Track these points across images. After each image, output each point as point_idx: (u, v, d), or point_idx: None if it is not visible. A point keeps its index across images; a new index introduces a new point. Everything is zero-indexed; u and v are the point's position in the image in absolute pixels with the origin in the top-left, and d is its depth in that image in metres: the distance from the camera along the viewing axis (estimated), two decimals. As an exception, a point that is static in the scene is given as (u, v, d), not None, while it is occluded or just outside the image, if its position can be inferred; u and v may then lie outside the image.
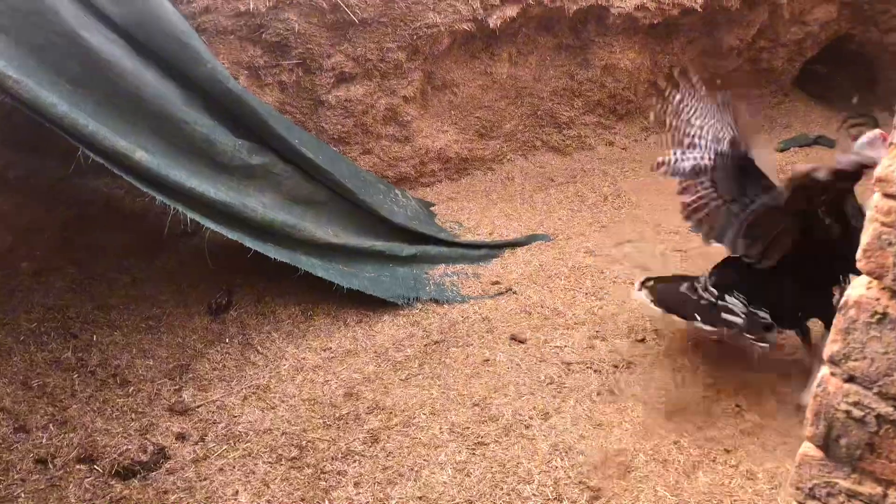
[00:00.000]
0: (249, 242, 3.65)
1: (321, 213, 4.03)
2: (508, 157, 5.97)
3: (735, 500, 2.93)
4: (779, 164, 5.94)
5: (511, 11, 5.13)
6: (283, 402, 3.47)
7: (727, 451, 3.15)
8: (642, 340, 3.87)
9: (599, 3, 5.35)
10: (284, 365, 3.72)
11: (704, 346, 3.75)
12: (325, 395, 3.50)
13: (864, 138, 3.21)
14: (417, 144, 5.37)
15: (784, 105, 6.93)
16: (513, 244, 4.76)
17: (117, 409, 3.45)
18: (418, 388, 3.51)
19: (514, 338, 3.86)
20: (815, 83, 7.22)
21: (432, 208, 5.13)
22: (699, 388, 3.47)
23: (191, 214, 3.47)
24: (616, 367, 3.65)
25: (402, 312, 4.08)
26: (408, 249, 4.29)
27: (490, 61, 5.52)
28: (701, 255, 4.60)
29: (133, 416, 3.42)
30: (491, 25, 5.14)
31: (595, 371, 3.61)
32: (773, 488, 2.96)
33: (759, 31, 6.04)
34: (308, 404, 3.45)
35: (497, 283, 4.41)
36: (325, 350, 3.82)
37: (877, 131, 3.26)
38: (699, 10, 5.40)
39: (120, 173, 3.32)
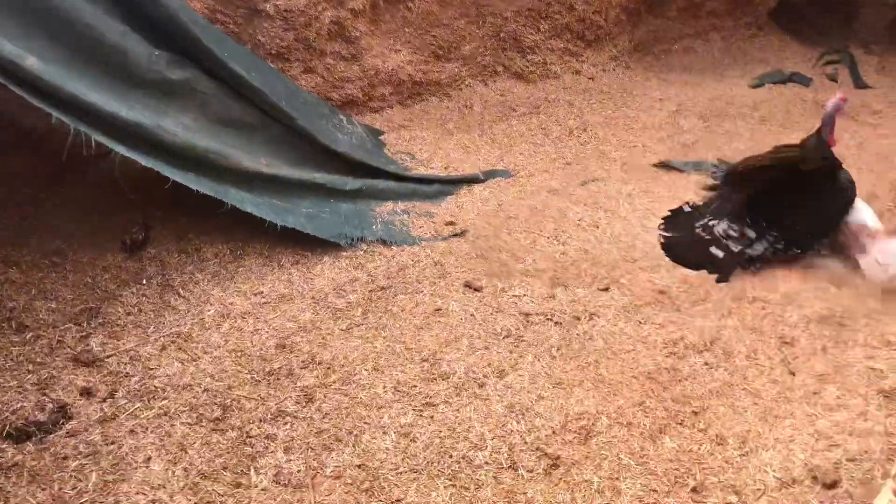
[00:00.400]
0: (167, 171, 3.16)
1: (252, 139, 3.54)
2: (467, 83, 5.50)
3: (704, 468, 2.68)
4: (755, 100, 5.63)
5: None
6: (206, 353, 3.07)
7: (695, 413, 2.88)
8: (606, 289, 3.56)
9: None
10: (209, 311, 3.29)
11: (673, 296, 3.47)
12: (255, 346, 3.11)
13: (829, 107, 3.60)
14: (366, 64, 4.86)
15: (759, 38, 6.57)
16: (470, 180, 4.36)
17: (11, 360, 2.99)
18: (360, 340, 3.14)
19: (468, 285, 3.50)
20: (792, 17, 6.85)
21: (381, 137, 4.67)
22: (666, 344, 3.18)
23: (95, 136, 2.95)
24: (578, 318, 3.32)
25: (344, 254, 3.67)
26: (352, 183, 3.85)
27: (445, -26, 4.99)
28: (671, 198, 4.31)
29: (30, 367, 2.97)
30: (453, -70, 4.60)
31: (556, 323, 3.29)
32: (743, 455, 2.72)
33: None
34: (235, 356, 3.05)
35: (451, 223, 4.02)
36: (255, 295, 3.40)
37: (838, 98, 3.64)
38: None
39: (5, 82, 2.77)
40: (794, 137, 5.03)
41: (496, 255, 3.80)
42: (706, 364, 3.11)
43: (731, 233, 3.73)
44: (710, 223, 3.79)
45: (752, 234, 3.70)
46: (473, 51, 5.38)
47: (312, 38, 4.57)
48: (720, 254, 3.67)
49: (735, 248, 3.68)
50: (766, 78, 5.97)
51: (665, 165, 4.64)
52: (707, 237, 3.76)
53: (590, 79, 5.78)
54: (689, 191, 4.37)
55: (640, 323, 3.33)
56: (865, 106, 5.67)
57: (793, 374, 3.02)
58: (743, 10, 6.34)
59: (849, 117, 4.53)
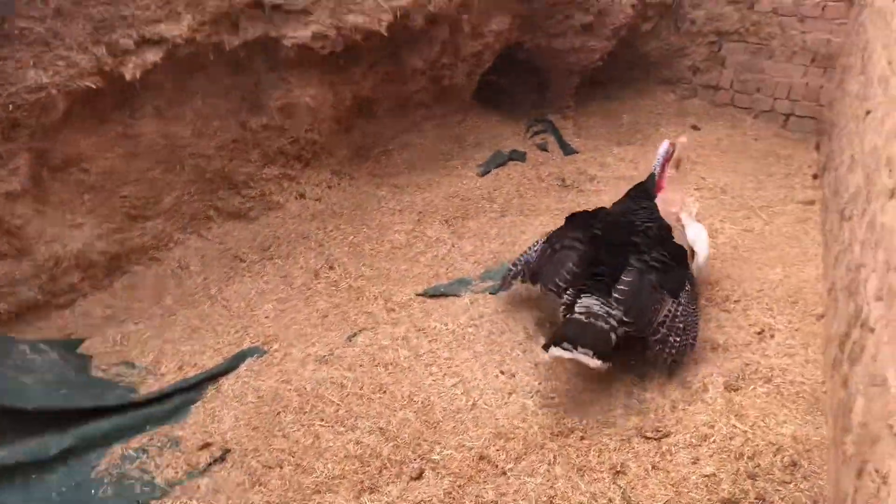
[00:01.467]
0: None
1: None
2: (176, 239, 4.59)
3: None
4: (488, 190, 5.49)
5: (153, 56, 3.78)
6: None
7: None
8: (419, 476, 3.07)
9: (269, 34, 4.24)
10: None
11: (493, 459, 3.08)
12: None
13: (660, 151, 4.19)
14: (39, 255, 3.74)
15: (469, 121, 6.54)
16: (215, 375, 3.49)
17: None
18: None
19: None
20: (493, 94, 6.99)
21: (84, 348, 3.58)
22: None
23: None
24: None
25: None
26: (58, 443, 2.79)
27: (131, 121, 4.09)
28: (450, 332, 3.87)
29: None
30: (127, 77, 3.73)
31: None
32: None
33: (440, 48, 5.47)
34: None
35: (207, 445, 3.14)
36: None
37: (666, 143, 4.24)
38: (384, 32, 4.59)
39: None
40: (538, 224, 5.02)
41: (276, 473, 3.02)
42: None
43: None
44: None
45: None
46: (177, 200, 4.50)
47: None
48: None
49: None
50: (490, 164, 5.91)
51: (428, 294, 4.21)
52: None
53: (317, 200, 5.21)
54: (472, 315, 3.98)
55: (472, 510, 2.81)
56: (582, 173, 5.85)
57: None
58: (448, 97, 6.27)
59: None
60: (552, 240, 3.93)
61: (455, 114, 6.49)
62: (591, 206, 5.24)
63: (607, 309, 3.39)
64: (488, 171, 5.81)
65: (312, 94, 4.79)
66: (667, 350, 3.48)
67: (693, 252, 4.13)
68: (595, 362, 3.23)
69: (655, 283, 3.55)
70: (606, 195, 5.48)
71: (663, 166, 4.22)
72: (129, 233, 4.26)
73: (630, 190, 4.27)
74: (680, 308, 3.58)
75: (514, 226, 5.00)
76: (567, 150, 6.38)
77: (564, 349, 3.23)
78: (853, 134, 4.36)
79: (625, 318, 3.38)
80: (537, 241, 4.12)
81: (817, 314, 3.99)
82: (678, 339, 3.52)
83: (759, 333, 3.87)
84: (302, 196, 5.18)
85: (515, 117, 6.91)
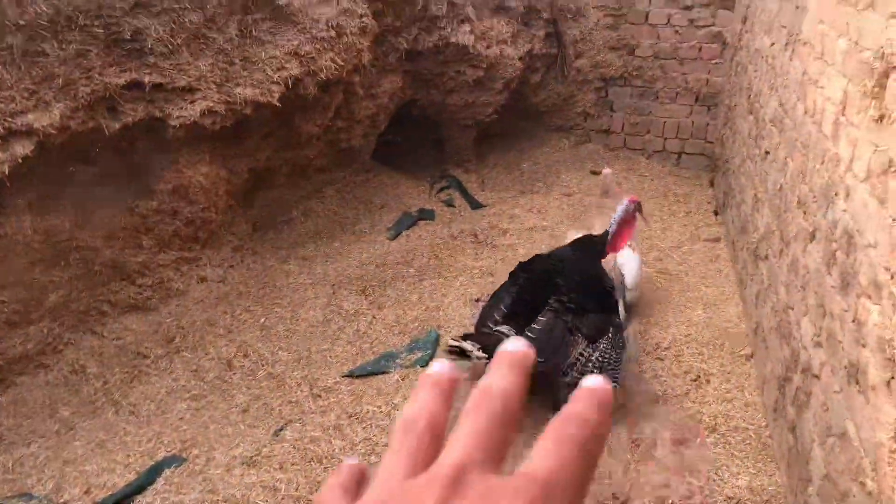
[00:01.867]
0: None
1: None
2: (67, 340, 4.11)
3: None
4: (402, 253, 5.30)
5: (22, 149, 3.38)
6: None
7: None
8: None
9: (152, 115, 3.92)
10: None
11: None
12: None
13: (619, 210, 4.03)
14: None
15: (371, 183, 6.38)
16: (127, 495, 3.08)
17: None
18: None
19: None
20: (393, 154, 6.88)
21: (-35, 490, 3.08)
22: None
23: None
24: None
25: None
26: None
27: (1, 219, 3.64)
28: (387, 415, 3.61)
29: None
30: (-7, 173, 3.32)
31: None
32: None
33: (335, 112, 5.30)
34: None
35: (127, 586, 2.72)
36: None
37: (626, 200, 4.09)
38: (276, 104, 4.37)
39: None
40: (458, 285, 4.88)
41: None
42: None
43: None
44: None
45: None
46: (63, 299, 4.04)
47: None
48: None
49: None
50: (400, 226, 5.75)
51: (355, 375, 3.95)
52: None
53: (220, 282, 4.85)
54: (405, 393, 3.74)
55: None
56: (493, 227, 5.80)
57: None
58: (348, 160, 6.10)
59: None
60: (496, 292, 3.83)
61: (356, 176, 6.32)
62: (507, 261, 5.21)
63: None
64: (399, 234, 5.64)
65: (205, 173, 4.48)
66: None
67: (622, 277, 4.22)
68: (478, 353, 3.14)
69: (571, 326, 3.47)
70: (521, 248, 5.44)
71: (620, 225, 4.03)
72: (10, 341, 3.77)
73: (578, 240, 4.12)
74: (595, 354, 3.48)
75: (435, 289, 4.83)
76: (474, 204, 6.33)
77: (455, 340, 3.25)
78: (752, 173, 4.52)
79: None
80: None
81: (745, 354, 4.04)
82: None
83: (695, 380, 3.86)
84: (204, 279, 4.81)
85: (418, 175, 6.81)
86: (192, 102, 4.05)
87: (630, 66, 6.93)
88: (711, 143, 6.88)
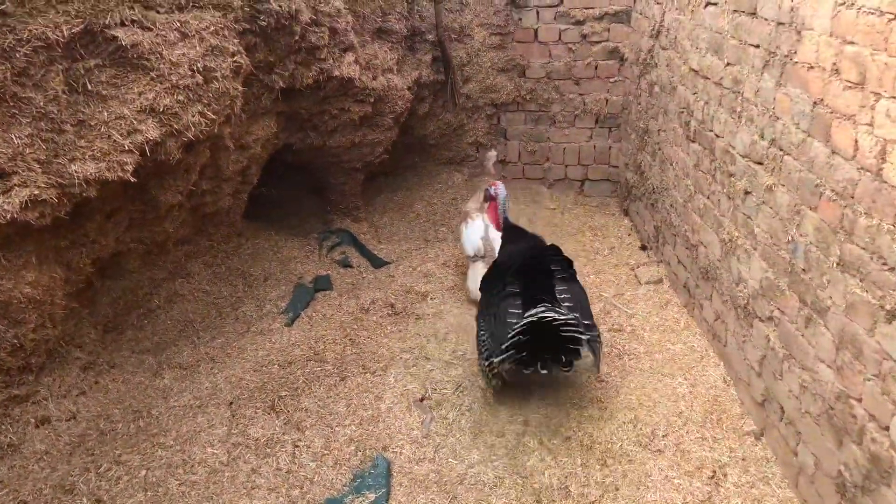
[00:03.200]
0: None
1: None
2: None
3: None
4: (310, 344, 4.24)
5: None
6: None
7: None
8: None
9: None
10: None
11: None
12: None
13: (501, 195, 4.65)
14: None
15: (247, 248, 5.22)
16: None
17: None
18: None
19: None
20: (268, 209, 5.75)
21: None
22: None
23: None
24: None
25: None
26: None
27: None
28: None
29: None
30: None
31: None
32: None
33: (199, 172, 4.14)
34: None
35: None
36: None
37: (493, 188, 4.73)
38: (130, 178, 3.18)
39: None
40: (393, 381, 3.89)
41: None
42: None
43: None
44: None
45: None
46: None
47: None
48: None
49: None
50: (295, 304, 4.66)
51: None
52: None
53: (70, 420, 3.54)
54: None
55: None
56: (409, 291, 4.87)
57: None
58: (215, 224, 4.92)
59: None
60: (490, 311, 3.73)
61: (227, 243, 5.14)
62: (440, 337, 4.31)
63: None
64: (297, 316, 4.55)
65: (32, 280, 3.20)
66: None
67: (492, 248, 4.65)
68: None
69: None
70: (450, 316, 4.56)
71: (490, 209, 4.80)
72: None
73: (510, 237, 4.42)
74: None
75: (364, 390, 3.84)
76: (376, 261, 5.37)
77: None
78: (714, 213, 3.95)
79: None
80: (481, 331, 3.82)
81: (752, 432, 3.43)
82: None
83: (712, 477, 3.19)
84: (46, 421, 3.49)
85: (302, 231, 5.74)
86: (6, 192, 2.80)
87: (522, 88, 6.29)
88: (616, 167, 6.40)
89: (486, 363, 3.54)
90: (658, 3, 5.05)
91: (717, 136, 3.94)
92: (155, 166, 3.52)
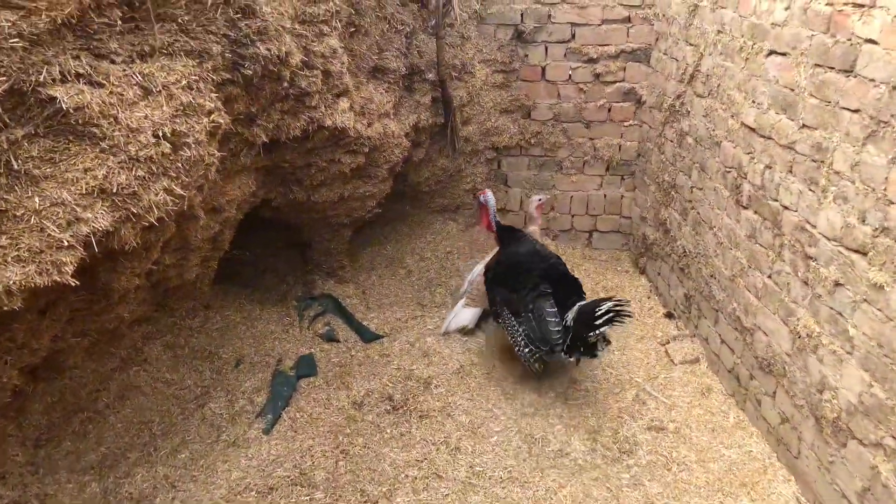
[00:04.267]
0: None
1: None
2: None
3: None
4: (293, 463, 3.49)
5: None
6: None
7: None
8: None
9: None
10: None
11: None
12: None
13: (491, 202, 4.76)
14: None
15: (215, 322, 4.45)
16: None
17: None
18: None
19: None
20: (239, 271, 4.98)
21: None
22: None
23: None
24: None
25: None
26: None
27: None
28: None
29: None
30: None
31: None
32: None
33: (162, 248, 3.38)
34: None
35: None
36: None
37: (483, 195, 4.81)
38: (70, 282, 2.41)
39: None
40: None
41: None
42: None
43: None
44: None
45: None
46: None
47: None
48: None
49: None
50: (274, 403, 3.86)
51: None
52: None
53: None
54: None
55: None
56: (409, 377, 4.15)
57: None
58: (179, 297, 4.15)
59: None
60: (520, 307, 4.04)
61: (191, 318, 4.37)
62: (450, 444, 3.60)
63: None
64: (278, 418, 3.79)
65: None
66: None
67: None
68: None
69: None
70: (463, 412, 3.86)
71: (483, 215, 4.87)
72: None
73: (509, 237, 4.63)
74: None
75: (364, 521, 3.10)
76: (366, 335, 4.63)
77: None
78: (783, 298, 3.33)
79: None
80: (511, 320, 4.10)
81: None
82: None
83: None
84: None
85: (279, 295, 4.98)
86: None
87: (527, 131, 5.65)
88: (629, 218, 5.79)
89: (533, 354, 3.90)
90: (691, 45, 4.46)
91: (787, 208, 3.33)
92: (107, 253, 2.76)
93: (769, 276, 3.51)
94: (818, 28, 3.05)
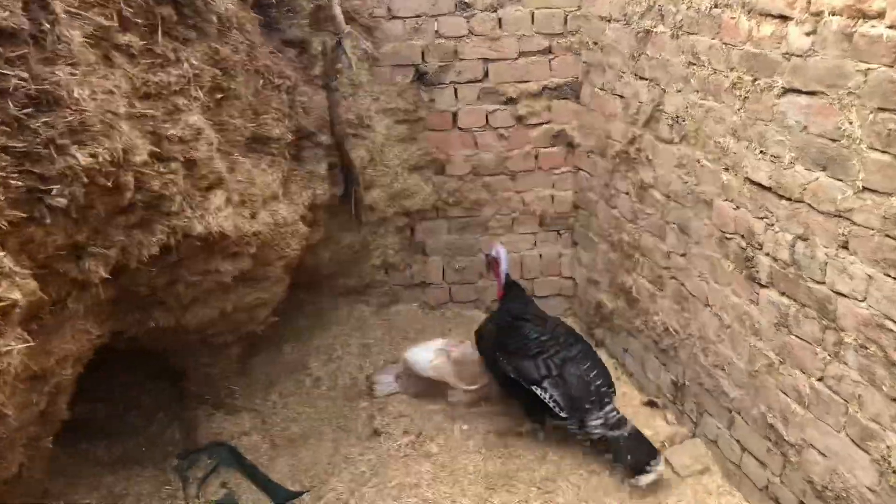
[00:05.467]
0: None
1: None
2: None
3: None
4: None
5: None
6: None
7: None
8: None
9: None
10: None
11: None
12: None
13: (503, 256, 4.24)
14: None
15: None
16: None
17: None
18: None
19: None
20: (88, 427, 3.62)
21: None
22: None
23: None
24: None
25: None
26: None
27: None
28: None
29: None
30: None
31: None
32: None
33: None
34: None
35: None
36: None
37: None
38: None
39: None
40: None
41: None
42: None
43: None
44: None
45: None
46: None
47: None
48: None
49: None
50: None
51: None
52: None
53: None
54: None
55: None
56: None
57: None
58: (8, 494, 2.81)
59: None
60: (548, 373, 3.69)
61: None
62: None
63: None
64: None
65: None
66: None
67: None
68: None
69: None
70: None
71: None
72: None
73: (514, 291, 4.23)
74: None
75: None
76: (278, 494, 3.43)
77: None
78: (876, 420, 2.50)
79: None
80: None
81: None
82: None
83: None
84: None
85: (148, 445, 3.68)
86: None
87: (442, 190, 4.67)
88: (571, 279, 4.93)
89: (581, 429, 3.59)
90: (644, 80, 3.66)
91: (843, 295, 2.54)
92: None
93: (820, 380, 2.70)
94: (877, 60, 2.27)
